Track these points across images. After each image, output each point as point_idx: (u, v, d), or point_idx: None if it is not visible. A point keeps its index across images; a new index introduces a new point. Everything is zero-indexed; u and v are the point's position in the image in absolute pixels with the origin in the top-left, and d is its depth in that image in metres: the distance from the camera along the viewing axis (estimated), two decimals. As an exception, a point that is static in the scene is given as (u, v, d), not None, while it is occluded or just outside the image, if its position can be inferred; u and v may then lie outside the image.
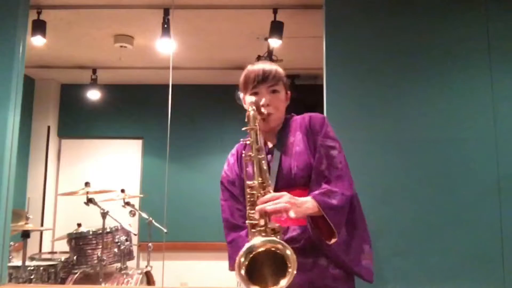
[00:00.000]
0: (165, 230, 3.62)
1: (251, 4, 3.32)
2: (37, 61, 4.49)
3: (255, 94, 1.55)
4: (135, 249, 3.85)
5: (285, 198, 1.31)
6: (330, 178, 1.46)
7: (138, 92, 5.26)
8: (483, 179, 2.54)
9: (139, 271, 3.51)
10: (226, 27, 3.71)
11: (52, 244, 4.76)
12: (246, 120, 1.48)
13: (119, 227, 3.52)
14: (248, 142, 1.42)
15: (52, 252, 4.24)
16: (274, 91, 1.55)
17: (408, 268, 2.47)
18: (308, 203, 1.37)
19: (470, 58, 2.66)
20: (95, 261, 3.35)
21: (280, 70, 1.59)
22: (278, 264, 1.21)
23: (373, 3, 2.75)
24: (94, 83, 4.81)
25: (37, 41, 3.38)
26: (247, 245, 1.23)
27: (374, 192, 2.49)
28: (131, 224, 3.85)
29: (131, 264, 3.78)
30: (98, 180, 4.21)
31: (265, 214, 1.27)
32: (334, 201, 1.39)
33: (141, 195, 4.68)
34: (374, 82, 2.67)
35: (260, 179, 1.35)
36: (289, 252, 1.21)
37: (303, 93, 4.44)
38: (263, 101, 1.53)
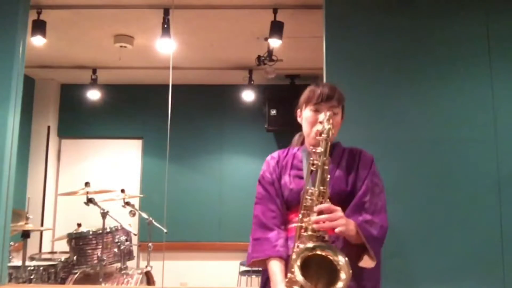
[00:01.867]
0: (165, 230, 3.62)
1: (251, 4, 3.32)
2: (37, 61, 4.49)
3: (315, 111, 1.61)
4: (135, 249, 3.86)
5: (338, 214, 1.41)
6: (368, 210, 1.54)
7: (138, 92, 5.26)
8: (483, 179, 2.54)
9: (139, 271, 3.51)
10: (226, 27, 3.71)
11: (52, 244, 4.77)
12: (320, 130, 1.53)
13: (119, 227, 3.52)
14: (317, 151, 1.47)
15: (52, 252, 4.25)
16: (333, 113, 1.60)
17: (408, 268, 2.47)
18: (351, 226, 1.46)
19: (470, 58, 2.66)
20: (95, 261, 3.35)
21: (343, 95, 1.67)
22: (329, 274, 1.30)
23: (373, 3, 2.75)
24: (94, 83, 4.81)
25: (37, 41, 3.38)
26: (310, 244, 1.34)
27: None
28: (131, 224, 3.85)
29: (131, 264, 3.78)
30: (98, 180, 4.22)
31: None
32: (374, 232, 1.50)
33: (141, 195, 4.68)
34: (374, 82, 2.67)
35: (321, 187, 1.43)
36: (343, 263, 1.31)
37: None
38: (326, 116, 1.56)
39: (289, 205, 1.61)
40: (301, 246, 1.34)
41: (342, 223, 1.39)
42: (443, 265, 2.47)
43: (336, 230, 1.37)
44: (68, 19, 3.57)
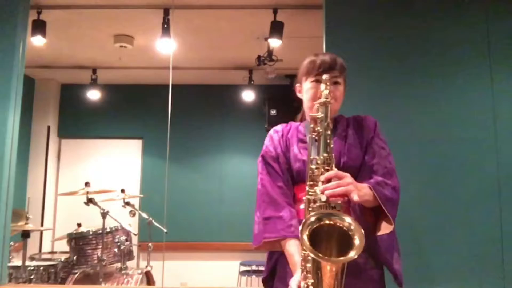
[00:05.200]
0: (165, 230, 3.62)
1: (251, 4, 3.32)
2: (37, 61, 4.49)
3: (316, 81, 1.50)
4: (135, 249, 3.85)
5: (348, 180, 1.30)
6: (378, 172, 1.47)
7: (138, 92, 5.27)
8: (483, 179, 2.54)
9: (139, 271, 3.51)
10: (226, 27, 3.71)
11: (52, 244, 4.77)
12: (318, 95, 1.43)
13: (119, 227, 3.52)
14: (318, 116, 1.37)
15: (52, 252, 4.25)
16: (335, 83, 1.51)
17: (408, 268, 2.47)
18: (365, 189, 1.37)
19: (470, 58, 2.66)
20: (95, 261, 3.35)
21: (344, 63, 1.55)
22: (341, 241, 1.18)
23: (373, 4, 2.75)
24: (94, 83, 4.81)
25: (37, 41, 3.38)
26: (315, 214, 1.21)
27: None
28: (131, 224, 3.85)
29: (131, 264, 3.78)
30: (98, 180, 4.22)
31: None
32: (387, 193, 1.41)
33: (141, 195, 4.68)
34: (374, 82, 2.67)
35: (325, 154, 1.32)
36: (354, 226, 1.18)
37: (303, 93, 4.44)
38: (325, 77, 1.47)
39: (299, 178, 1.48)
40: (307, 217, 1.21)
41: (352, 189, 1.28)
42: (443, 265, 2.47)
43: (354, 199, 1.27)
44: (68, 19, 3.57)
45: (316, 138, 1.37)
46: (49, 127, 5.13)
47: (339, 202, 1.26)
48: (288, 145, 1.55)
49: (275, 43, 3.45)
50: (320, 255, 1.13)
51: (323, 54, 1.54)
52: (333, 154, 1.35)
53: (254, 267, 4.59)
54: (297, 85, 1.60)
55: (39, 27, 3.35)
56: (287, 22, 3.37)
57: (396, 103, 2.65)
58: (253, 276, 4.60)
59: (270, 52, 3.96)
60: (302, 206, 1.38)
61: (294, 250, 1.37)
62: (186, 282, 4.65)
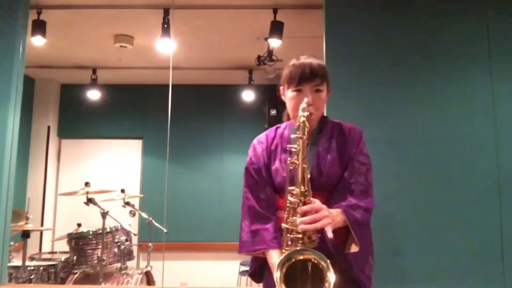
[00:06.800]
0: (165, 230, 3.62)
1: (251, 4, 3.32)
2: (37, 61, 4.49)
3: (298, 91, 1.51)
4: (135, 249, 3.85)
5: (323, 213, 1.33)
6: (355, 192, 1.51)
7: (138, 92, 5.27)
8: (483, 179, 2.54)
9: (139, 271, 3.51)
10: (226, 27, 3.72)
11: (52, 244, 4.77)
12: (295, 127, 1.44)
13: (119, 227, 3.52)
14: (293, 150, 1.41)
15: (52, 252, 4.25)
16: (317, 90, 1.52)
17: (408, 268, 2.47)
18: (338, 217, 1.42)
19: (470, 58, 2.67)
20: (95, 261, 3.35)
21: (326, 68, 1.54)
22: (314, 274, 1.26)
23: (373, 3, 2.75)
24: (94, 83, 4.81)
25: (37, 41, 3.38)
26: (285, 254, 1.29)
27: (374, 192, 2.48)
28: (131, 224, 3.85)
29: (131, 264, 3.78)
30: (98, 180, 4.22)
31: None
32: (358, 216, 1.46)
33: (141, 195, 4.68)
34: (374, 82, 2.67)
35: (302, 187, 1.37)
36: (325, 264, 1.25)
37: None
38: (305, 101, 1.48)
39: (281, 190, 1.53)
40: (281, 257, 1.28)
41: (328, 222, 1.32)
42: (443, 265, 2.47)
43: (328, 235, 1.31)
44: (68, 19, 3.57)
45: (292, 168, 1.40)
46: (49, 127, 5.13)
47: (314, 234, 1.33)
48: (270, 158, 1.60)
49: (275, 43, 3.46)
50: None
51: (304, 65, 1.51)
52: (310, 185, 1.38)
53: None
54: (281, 88, 1.61)
55: (39, 27, 3.35)
56: (287, 22, 3.38)
57: (396, 103, 2.65)
58: (253, 276, 4.59)
59: (270, 52, 3.96)
60: (285, 214, 1.42)
61: (276, 261, 1.42)
62: (186, 282, 4.65)
